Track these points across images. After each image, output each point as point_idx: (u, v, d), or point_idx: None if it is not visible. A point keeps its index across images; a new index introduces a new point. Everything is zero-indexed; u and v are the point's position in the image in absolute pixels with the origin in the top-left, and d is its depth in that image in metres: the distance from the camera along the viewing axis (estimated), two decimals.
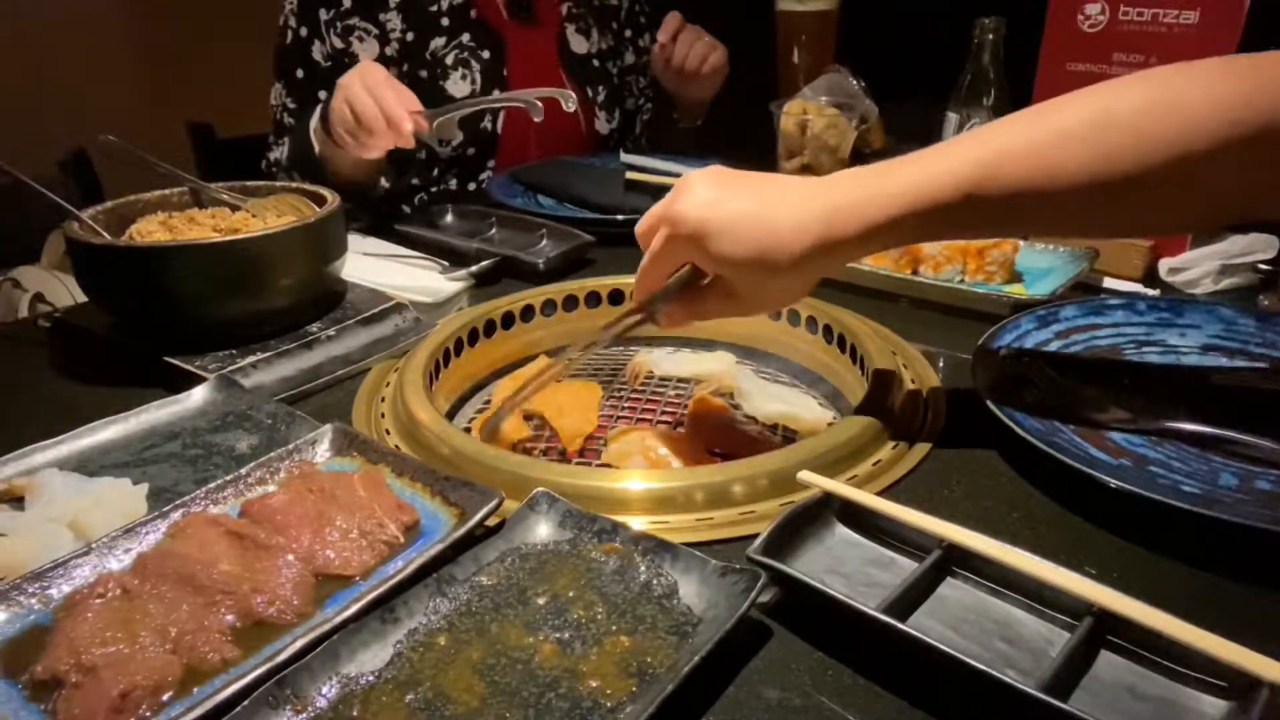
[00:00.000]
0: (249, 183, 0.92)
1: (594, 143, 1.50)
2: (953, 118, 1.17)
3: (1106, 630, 0.45)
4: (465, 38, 1.34)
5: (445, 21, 1.32)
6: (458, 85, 1.35)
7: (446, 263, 1.00)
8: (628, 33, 1.55)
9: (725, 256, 0.57)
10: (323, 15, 1.28)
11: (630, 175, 1.22)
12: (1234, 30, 0.87)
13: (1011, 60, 1.11)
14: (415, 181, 1.40)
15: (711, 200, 0.58)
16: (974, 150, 0.55)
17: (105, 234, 0.79)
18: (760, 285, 0.60)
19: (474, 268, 0.98)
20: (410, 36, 1.31)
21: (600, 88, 1.48)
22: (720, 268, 0.60)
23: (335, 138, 1.10)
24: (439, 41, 1.33)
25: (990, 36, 1.10)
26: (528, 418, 0.76)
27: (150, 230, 0.82)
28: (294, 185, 0.91)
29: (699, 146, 1.50)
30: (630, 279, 0.89)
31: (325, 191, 0.87)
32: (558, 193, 1.23)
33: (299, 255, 0.79)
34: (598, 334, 0.65)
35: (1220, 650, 0.40)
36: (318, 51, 1.29)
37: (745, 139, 1.40)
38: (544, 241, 1.06)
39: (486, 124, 1.37)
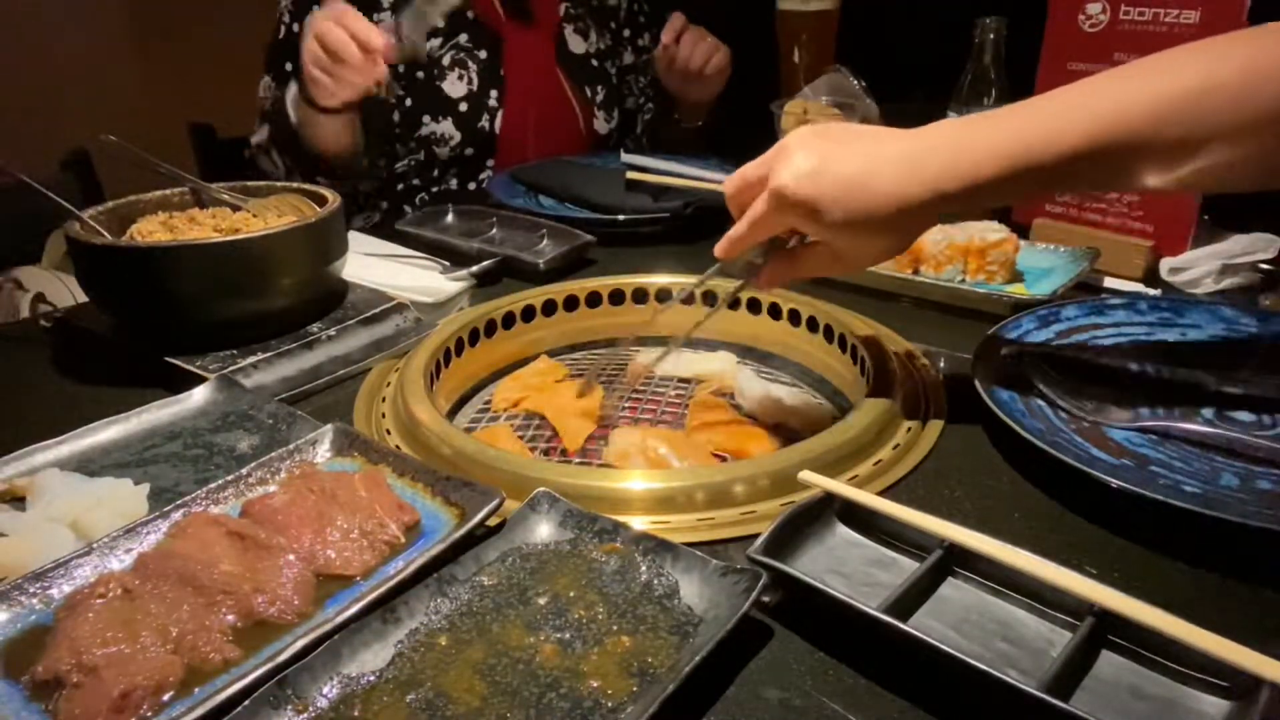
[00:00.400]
0: (250, 183, 0.92)
1: (593, 142, 1.49)
2: (954, 118, 1.17)
3: (1107, 630, 0.44)
4: (463, 38, 1.34)
5: (441, 23, 1.31)
6: (455, 85, 1.34)
7: (447, 263, 1.00)
8: (626, 32, 1.55)
9: (836, 225, 0.58)
10: (317, 11, 1.26)
11: (630, 175, 1.22)
12: (1234, 29, 0.87)
13: (1012, 60, 1.11)
14: (416, 181, 1.40)
15: (815, 170, 0.58)
16: (1087, 101, 0.54)
17: (106, 234, 0.79)
18: (866, 245, 0.61)
19: (475, 268, 0.98)
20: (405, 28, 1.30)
21: (599, 87, 1.48)
22: (829, 235, 0.60)
23: (311, 84, 1.08)
24: (434, 42, 1.32)
25: (991, 36, 1.10)
26: (528, 418, 0.76)
27: (151, 230, 0.82)
28: (294, 185, 0.90)
29: (700, 146, 1.50)
30: (632, 279, 0.89)
31: (326, 191, 0.87)
32: (558, 193, 1.23)
33: (300, 255, 0.79)
34: (702, 314, 0.70)
35: (1221, 650, 0.40)
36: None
37: (746, 139, 1.40)
38: (544, 241, 1.05)
39: (484, 123, 1.37)
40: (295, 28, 1.27)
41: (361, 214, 1.42)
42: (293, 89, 1.17)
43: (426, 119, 1.34)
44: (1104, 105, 0.54)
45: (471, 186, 1.41)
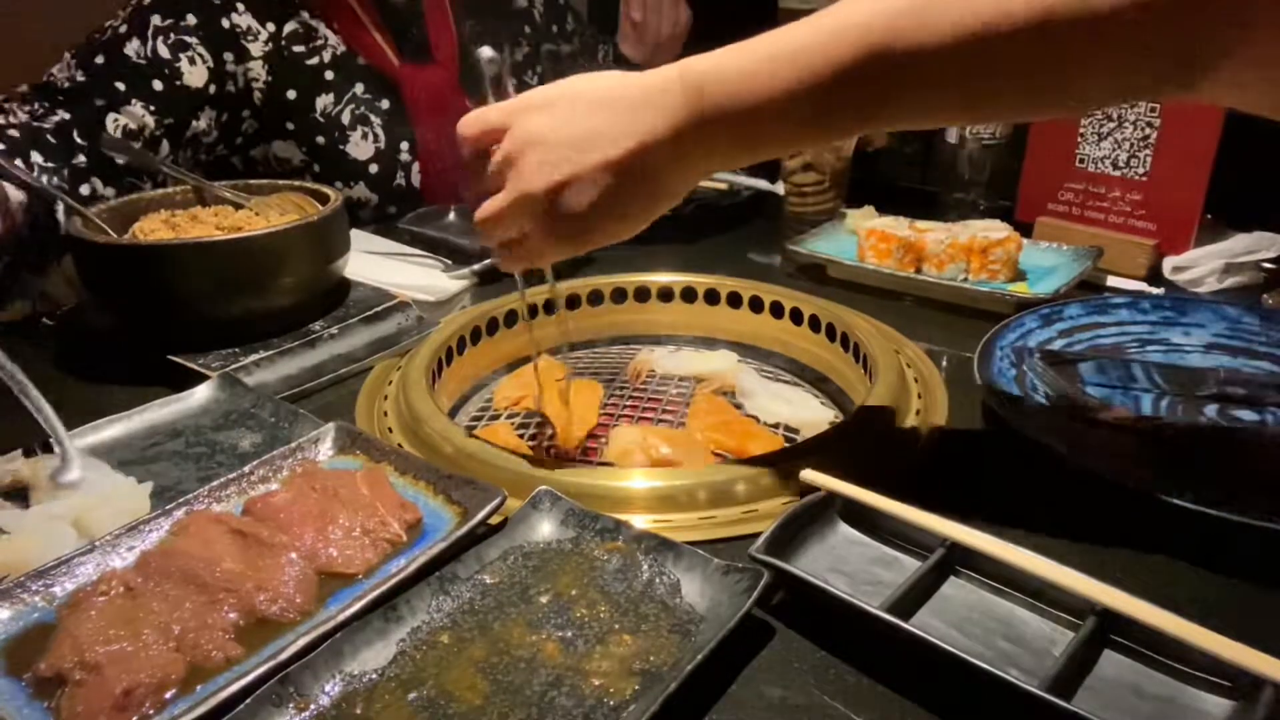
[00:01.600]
0: (252, 181, 0.92)
1: None
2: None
3: (1110, 629, 0.44)
4: (359, 89, 1.18)
5: (330, 75, 1.16)
6: (360, 146, 1.19)
7: (449, 261, 1.00)
8: (553, 29, 1.45)
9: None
10: (155, 20, 1.05)
11: None
12: None
13: None
14: None
15: (575, 217, 0.54)
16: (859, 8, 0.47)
17: (109, 232, 0.79)
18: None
19: (477, 266, 0.98)
20: (291, 95, 1.14)
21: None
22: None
23: None
24: (327, 99, 1.16)
25: None
26: (529, 416, 0.77)
27: (153, 228, 0.82)
28: (297, 183, 0.91)
29: None
30: (634, 277, 0.89)
31: (328, 190, 0.87)
32: None
33: (302, 253, 0.79)
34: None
35: (1224, 650, 0.40)
36: (131, 48, 1.03)
37: None
38: None
39: (400, 181, 1.26)
40: (123, 28, 1.04)
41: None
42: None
43: (339, 185, 1.19)
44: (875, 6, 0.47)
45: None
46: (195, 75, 1.06)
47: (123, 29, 1.04)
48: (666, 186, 0.55)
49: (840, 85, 0.47)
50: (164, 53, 1.04)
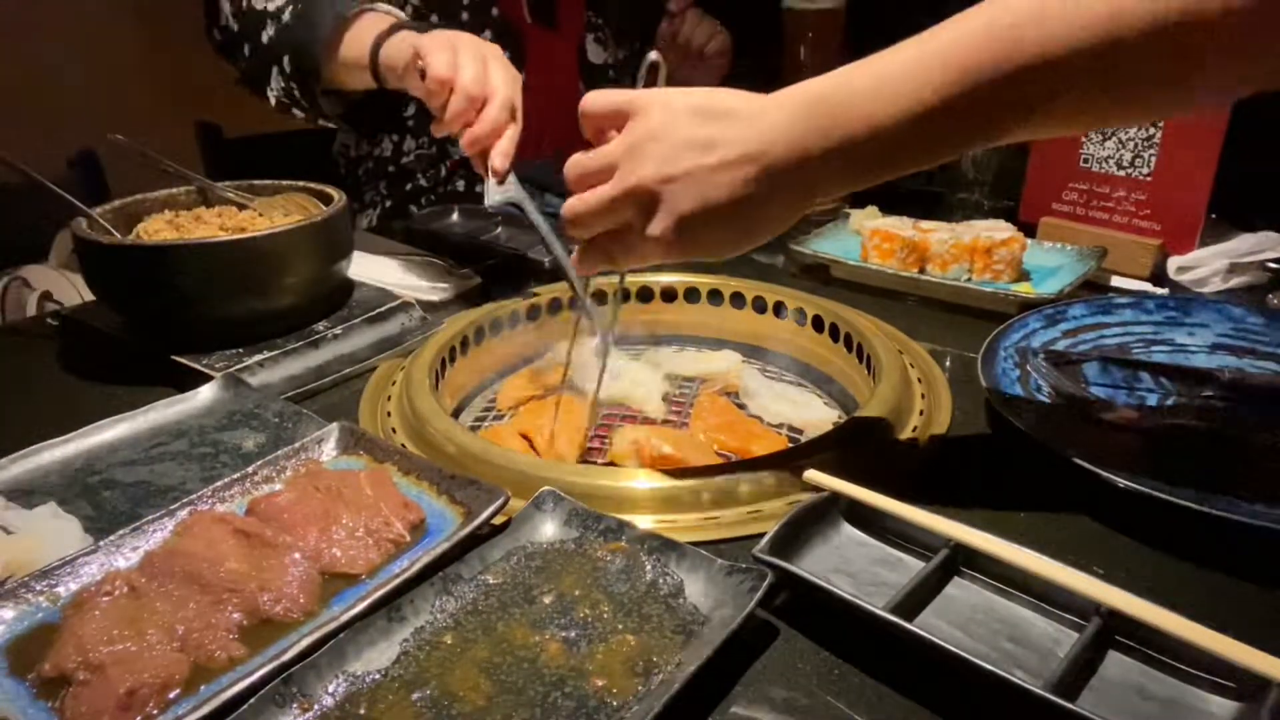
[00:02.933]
0: (256, 181, 0.92)
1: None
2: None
3: (1114, 630, 0.44)
4: (486, 34, 1.29)
5: (466, 15, 1.28)
6: None
7: (453, 261, 1.00)
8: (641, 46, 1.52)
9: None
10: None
11: None
12: None
13: None
14: (423, 182, 1.40)
15: (686, 226, 0.53)
16: (978, 20, 0.47)
17: (114, 232, 0.79)
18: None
19: (480, 266, 0.98)
20: (433, 18, 1.24)
21: None
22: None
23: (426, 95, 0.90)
24: None
25: None
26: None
27: (157, 229, 0.82)
28: (300, 184, 0.91)
29: None
30: (637, 277, 0.89)
31: (332, 190, 0.87)
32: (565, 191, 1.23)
33: (305, 254, 0.79)
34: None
35: (1229, 651, 0.40)
36: None
37: None
38: None
39: None
40: None
41: (365, 213, 1.42)
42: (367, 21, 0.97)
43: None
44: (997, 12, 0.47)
45: (479, 188, 1.39)
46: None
47: None
48: (775, 204, 0.53)
49: (974, 89, 0.46)
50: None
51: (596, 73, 1.43)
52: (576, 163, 0.57)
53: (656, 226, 0.53)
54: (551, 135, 1.37)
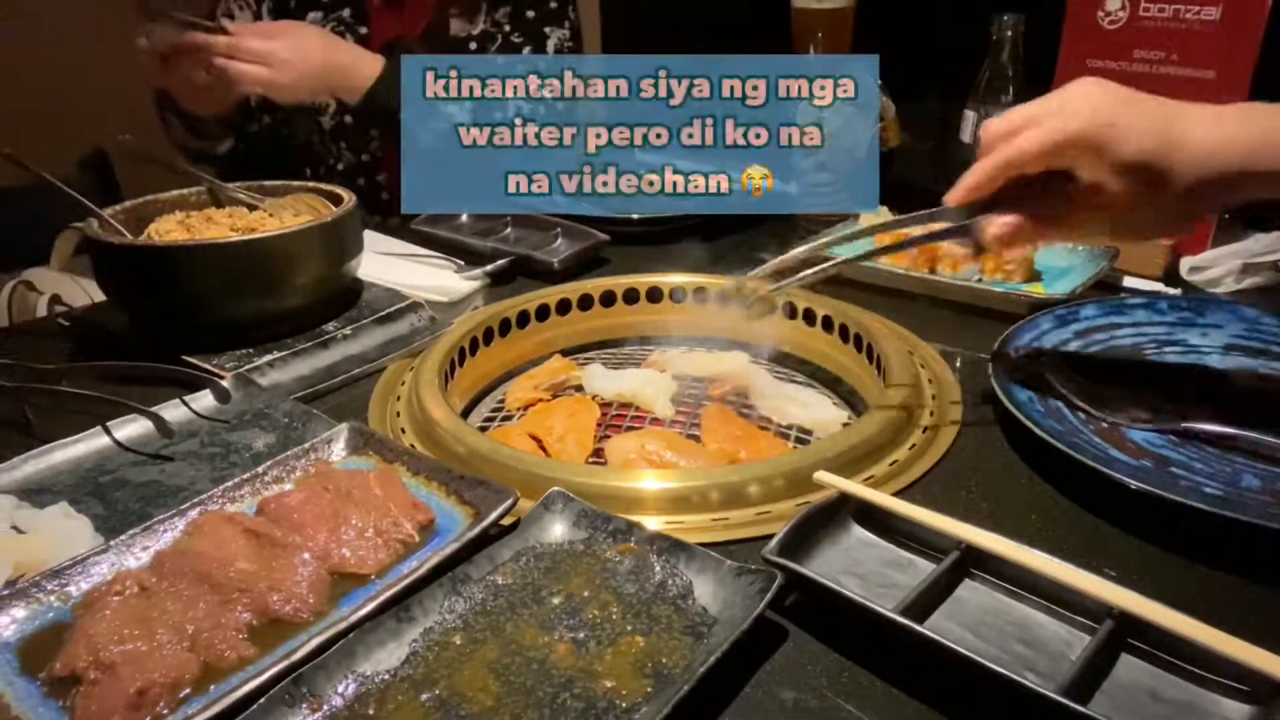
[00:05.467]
0: (266, 182, 0.92)
1: None
2: (971, 116, 1.16)
3: (1127, 633, 0.44)
4: (346, 13, 1.31)
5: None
6: None
7: (462, 262, 1.00)
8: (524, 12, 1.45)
9: (1125, 164, 0.54)
10: None
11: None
12: (1256, 28, 0.86)
13: (1030, 57, 1.10)
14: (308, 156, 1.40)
15: (1119, 98, 0.54)
16: None
17: (125, 233, 0.80)
18: (1145, 204, 0.55)
19: (489, 267, 0.98)
20: (292, 4, 1.31)
21: None
22: (1109, 176, 0.55)
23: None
24: (316, 14, 1.31)
25: (1009, 34, 1.09)
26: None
27: (168, 230, 0.83)
28: (310, 185, 0.91)
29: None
30: (646, 278, 0.89)
31: (342, 191, 0.87)
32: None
33: (315, 254, 0.80)
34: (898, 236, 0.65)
35: (1243, 654, 0.40)
36: None
37: None
38: (559, 240, 1.05)
39: None
40: None
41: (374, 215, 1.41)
42: None
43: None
44: None
45: (365, 158, 1.37)
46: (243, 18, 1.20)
47: None
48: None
49: None
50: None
51: (449, 48, 1.37)
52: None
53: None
54: None
